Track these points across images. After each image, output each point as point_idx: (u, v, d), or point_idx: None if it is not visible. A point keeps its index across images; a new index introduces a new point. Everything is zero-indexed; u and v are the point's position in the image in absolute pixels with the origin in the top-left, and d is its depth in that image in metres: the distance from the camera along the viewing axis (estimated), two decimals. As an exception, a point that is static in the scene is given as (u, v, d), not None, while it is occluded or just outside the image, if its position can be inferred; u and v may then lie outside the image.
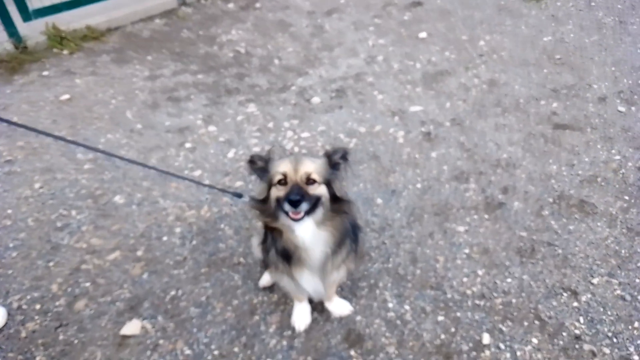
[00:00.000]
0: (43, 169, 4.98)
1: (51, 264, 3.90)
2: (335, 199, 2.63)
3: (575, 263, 3.57)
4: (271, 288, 3.57)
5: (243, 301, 3.50)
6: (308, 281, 2.83)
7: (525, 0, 7.76)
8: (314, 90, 6.00)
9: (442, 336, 3.17)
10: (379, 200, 4.26)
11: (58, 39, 7.54)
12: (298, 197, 2.41)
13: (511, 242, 3.78)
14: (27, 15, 7.47)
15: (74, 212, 4.40)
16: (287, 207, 2.45)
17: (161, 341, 3.26)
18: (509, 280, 3.49)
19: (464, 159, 4.64)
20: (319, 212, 2.59)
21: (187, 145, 5.19)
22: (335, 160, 2.63)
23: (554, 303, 3.31)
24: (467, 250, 3.74)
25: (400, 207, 4.19)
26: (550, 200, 4.12)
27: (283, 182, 2.52)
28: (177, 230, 4.13)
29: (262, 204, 2.69)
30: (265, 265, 3.11)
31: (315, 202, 2.53)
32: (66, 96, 6.25)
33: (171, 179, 4.67)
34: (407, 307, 3.37)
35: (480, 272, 3.56)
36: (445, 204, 4.17)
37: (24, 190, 4.69)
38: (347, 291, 3.52)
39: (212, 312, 3.43)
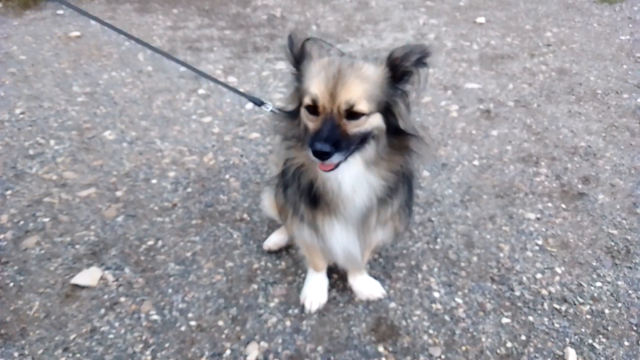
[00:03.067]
0: (30, 96, 4.23)
1: (8, 192, 3.10)
2: (396, 130, 1.72)
3: (689, 274, 2.64)
4: (278, 253, 2.70)
5: (240, 264, 2.63)
6: (339, 237, 1.96)
7: (597, 1, 6.92)
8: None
9: (509, 344, 2.25)
10: (426, 173, 3.39)
11: (79, -17, 6.90)
12: (327, 146, 1.54)
13: (598, 239, 2.87)
14: (50, -49, 6.85)
15: (52, 142, 3.61)
16: (311, 155, 1.58)
17: (122, 299, 2.40)
18: (598, 284, 2.57)
19: (531, 142, 3.76)
20: (370, 149, 1.72)
21: (201, 91, 4.41)
22: (405, 68, 1.65)
23: (665, 321, 2.38)
24: (540, 242, 2.83)
25: (452, 182, 3.30)
26: (646, 197, 3.20)
27: (313, 109, 1.64)
28: (171, 174, 3.31)
29: (289, 117, 1.83)
30: (280, 208, 2.22)
31: (360, 141, 1.67)
32: (76, 33, 5.56)
33: (174, 122, 3.87)
34: (459, 300, 2.46)
35: (559, 270, 2.65)
36: (510, 187, 3.27)
37: (1, 114, 3.93)
38: (378, 269, 2.63)
39: (196, 272, 2.57)
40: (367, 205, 1.86)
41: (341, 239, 1.95)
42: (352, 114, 1.61)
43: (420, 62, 1.66)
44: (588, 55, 5.31)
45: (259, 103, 2.33)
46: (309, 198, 1.90)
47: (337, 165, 1.66)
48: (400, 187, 1.92)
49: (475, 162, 3.53)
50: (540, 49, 5.45)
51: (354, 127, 1.63)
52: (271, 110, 2.28)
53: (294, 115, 1.80)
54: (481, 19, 6.24)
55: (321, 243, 2.02)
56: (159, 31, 5.77)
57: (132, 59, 5.02)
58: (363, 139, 1.68)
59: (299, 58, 1.75)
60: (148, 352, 2.17)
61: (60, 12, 6.29)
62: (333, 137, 1.57)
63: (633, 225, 2.98)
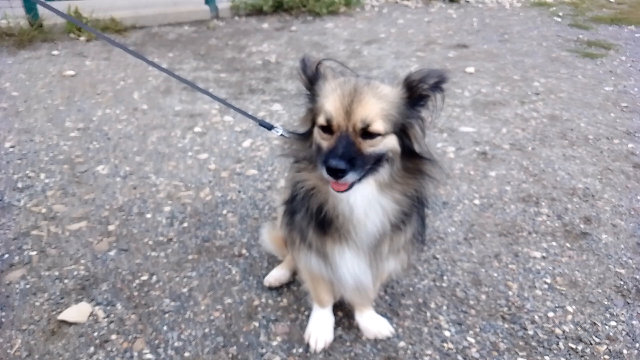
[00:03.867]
0: (20, 130, 4.14)
1: (-6, 224, 2.94)
2: (410, 153, 1.68)
3: (702, 315, 2.57)
4: (280, 289, 2.57)
5: (239, 301, 2.49)
6: (350, 264, 1.86)
7: (579, 56, 7.21)
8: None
9: (526, 386, 2.12)
10: (427, 211, 3.31)
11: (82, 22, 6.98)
12: (343, 164, 1.48)
13: (606, 278, 2.80)
14: (49, -5, 6.97)
15: (42, 175, 3.49)
16: (324, 174, 1.53)
17: (114, 336, 2.23)
18: (612, 323, 2.48)
19: (529, 183, 3.76)
20: (384, 171, 1.67)
21: (197, 129, 4.37)
22: (422, 91, 1.64)
23: (685, 362, 2.28)
24: (548, 280, 2.76)
25: (454, 220, 3.25)
26: (649, 238, 3.18)
27: (328, 128, 1.60)
28: (166, 208, 3.20)
29: (300, 140, 1.79)
30: (286, 236, 2.12)
31: (374, 162, 1.62)
32: (71, 72, 5.56)
33: (169, 158, 3.79)
34: (471, 339, 2.35)
35: (570, 309, 2.56)
36: (513, 225, 3.23)
37: (-11, 147, 3.82)
38: (384, 307, 2.51)
39: (193, 309, 2.42)
40: (379, 231, 1.78)
41: (352, 267, 1.85)
42: (368, 134, 1.57)
43: (437, 86, 1.65)
44: (577, 103, 5.45)
45: (269, 127, 2.28)
46: (318, 223, 1.82)
47: (350, 186, 1.59)
48: (414, 213, 1.85)
49: (476, 201, 3.49)
50: (530, 97, 5.58)
51: (369, 147, 1.58)
52: (281, 134, 2.23)
53: (305, 137, 1.75)
54: (471, 69, 6.42)
55: (330, 272, 1.92)
56: (155, 72, 5.79)
57: (127, 97, 4.99)
58: (377, 161, 1.63)
59: (313, 78, 1.72)
60: (140, 394, 1.99)
61: (55, 52, 6.32)
62: (348, 154, 1.51)
63: None
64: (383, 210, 1.74)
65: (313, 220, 1.83)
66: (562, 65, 6.82)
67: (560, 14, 10.01)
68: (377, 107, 1.57)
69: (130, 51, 2.35)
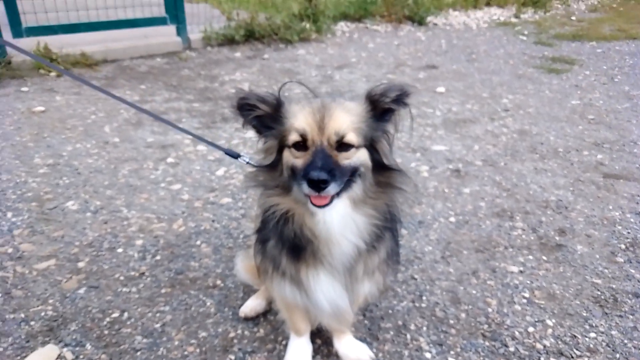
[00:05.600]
0: (-14, 169, 4.02)
1: (-45, 268, 2.82)
2: (380, 167, 1.71)
3: (679, 320, 2.59)
4: (256, 319, 2.51)
5: (214, 333, 2.41)
6: (325, 289, 1.83)
7: (544, 72, 7.43)
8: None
9: (510, 404, 2.09)
10: (403, 231, 3.32)
11: (47, 60, 6.92)
12: (324, 174, 1.49)
13: (583, 289, 2.81)
14: (18, 31, 6.93)
15: (9, 214, 3.39)
16: (305, 188, 1.53)
17: (82, 379, 2.13)
18: (592, 335, 2.48)
19: (503, 197, 3.79)
20: (357, 187, 1.68)
21: (169, 160, 4.31)
22: (385, 105, 1.68)
23: (665, 370, 2.28)
24: (526, 294, 2.75)
25: (430, 239, 3.24)
26: (622, 246, 3.22)
27: (301, 145, 1.61)
28: (138, 242, 3.12)
29: (268, 170, 1.76)
30: (259, 266, 2.07)
31: (349, 176, 1.63)
32: (40, 108, 5.47)
33: (141, 190, 3.73)
34: (452, 359, 2.31)
35: (550, 322, 2.55)
36: (489, 241, 3.24)
37: (-47, 187, 3.70)
38: (363, 331, 2.46)
39: (166, 345, 2.33)
40: (354, 251, 1.77)
41: (328, 291, 1.82)
42: (342, 146, 1.60)
43: (400, 100, 1.69)
44: (545, 117, 5.57)
45: (235, 156, 2.26)
46: (291, 249, 1.79)
47: (331, 200, 1.59)
48: (387, 232, 1.84)
49: (452, 219, 3.50)
50: (499, 114, 5.69)
51: (345, 160, 1.61)
52: (248, 162, 2.21)
53: (273, 166, 1.74)
54: (441, 89, 6.54)
55: (305, 299, 1.88)
56: (126, 105, 5.73)
57: (98, 131, 4.92)
58: (352, 175, 1.64)
59: (275, 112, 1.69)
60: None
61: (24, 88, 6.23)
62: (327, 166, 1.52)
63: (615, 273, 2.95)
64: (357, 229, 1.73)
65: (286, 246, 1.80)
66: (528, 81, 7.00)
67: (525, 32, 10.32)
68: (347, 120, 1.61)
69: (94, 86, 2.32)
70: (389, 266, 1.95)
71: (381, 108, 1.69)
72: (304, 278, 1.82)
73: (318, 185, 1.49)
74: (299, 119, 1.61)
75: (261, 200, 1.84)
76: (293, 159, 1.63)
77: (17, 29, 6.88)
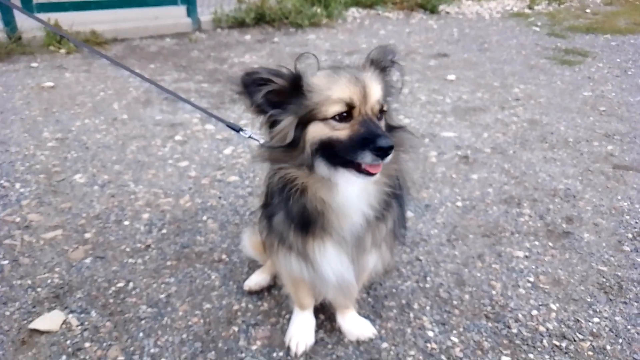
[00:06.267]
0: (-4, 141, 4.05)
1: (-36, 234, 2.85)
2: (389, 129, 1.72)
3: (684, 309, 2.58)
4: (260, 294, 2.52)
5: (219, 306, 2.43)
6: (332, 262, 1.82)
7: (557, 63, 7.34)
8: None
9: (511, 384, 2.09)
10: (410, 214, 3.31)
11: (57, 37, 6.93)
12: (390, 140, 1.50)
13: (589, 275, 2.80)
14: (29, 8, 6.93)
15: (17, 185, 3.41)
16: (368, 157, 1.52)
17: (87, 344, 2.16)
18: (595, 320, 2.47)
19: (511, 185, 3.77)
20: None
21: (177, 137, 4.32)
22: (386, 64, 1.74)
23: (669, 357, 2.27)
24: (531, 279, 2.74)
25: (437, 223, 3.23)
26: (630, 235, 3.20)
27: (345, 116, 1.57)
28: (145, 216, 3.14)
29: (284, 149, 1.66)
30: (264, 241, 2.05)
31: None
32: (49, 84, 5.49)
33: (149, 166, 3.74)
34: (454, 338, 2.31)
35: (554, 307, 2.55)
36: (495, 226, 3.22)
37: (-37, 158, 3.73)
38: (367, 309, 2.47)
39: (171, 315, 2.35)
40: (365, 221, 1.75)
41: (335, 263, 1.81)
42: (380, 113, 1.62)
43: (393, 60, 1.76)
44: (556, 108, 5.52)
45: (237, 129, 2.25)
46: (300, 223, 1.77)
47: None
48: (394, 200, 1.84)
49: (459, 204, 3.49)
50: (510, 103, 5.64)
51: (382, 125, 1.64)
52: (250, 137, 2.20)
53: (292, 145, 1.64)
54: (451, 77, 6.49)
55: (311, 272, 1.87)
56: (135, 83, 5.74)
57: (107, 108, 4.93)
58: None
59: (293, 87, 1.60)
60: (114, 403, 1.91)
61: (34, 64, 6.25)
62: (385, 133, 1.55)
63: (621, 262, 2.94)
64: (369, 198, 1.72)
65: (294, 221, 1.78)
66: (540, 72, 6.92)
67: (538, 24, 10.20)
68: (379, 87, 1.63)
69: (110, 59, 2.31)
70: (395, 237, 1.94)
71: (381, 69, 1.73)
72: (311, 251, 1.81)
73: (386, 153, 1.50)
74: (340, 90, 1.56)
75: (273, 175, 1.78)
76: (332, 131, 1.57)
77: (28, 6, 6.88)
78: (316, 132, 1.59)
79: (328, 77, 1.61)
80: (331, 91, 1.56)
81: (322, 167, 1.64)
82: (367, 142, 1.51)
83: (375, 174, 1.58)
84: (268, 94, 1.60)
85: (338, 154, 1.58)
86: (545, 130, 4.89)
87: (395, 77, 1.81)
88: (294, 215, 1.76)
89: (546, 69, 7.07)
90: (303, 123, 1.60)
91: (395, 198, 1.84)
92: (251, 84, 1.59)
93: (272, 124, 1.66)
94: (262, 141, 2.04)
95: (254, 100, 1.60)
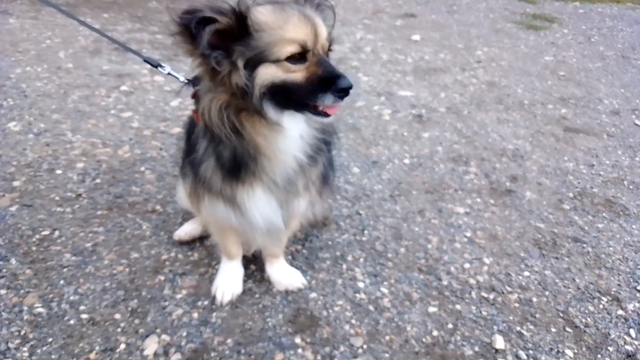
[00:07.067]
0: None
1: None
2: None
3: (612, 265, 2.64)
4: (191, 244, 2.47)
5: (146, 255, 2.36)
6: (260, 206, 1.76)
7: (523, 28, 7.29)
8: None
9: (435, 333, 2.11)
10: (355, 170, 3.28)
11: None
12: (349, 80, 1.48)
13: (526, 232, 2.83)
14: (-28, -52, 6.42)
15: (-56, 133, 3.21)
16: (329, 99, 1.47)
17: (2, 291, 2.08)
18: (526, 273, 2.51)
19: (462, 144, 3.76)
20: None
21: (123, 88, 4.14)
22: (319, 2, 1.64)
23: (591, 308, 2.33)
24: (468, 234, 2.76)
25: (382, 179, 3.21)
26: (571, 195, 3.24)
27: (298, 57, 1.46)
28: (79, 165, 3.01)
29: (227, 92, 1.51)
30: (190, 190, 1.95)
31: None
32: (-9, 30, 5.13)
33: (90, 116, 3.57)
34: (384, 289, 2.31)
35: (487, 261, 2.57)
36: (440, 183, 3.22)
37: None
38: (301, 260, 2.44)
39: (95, 264, 2.28)
40: (297, 166, 1.69)
41: (263, 208, 1.75)
42: (328, 51, 1.57)
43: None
44: (516, 71, 5.50)
45: (155, 65, 2.13)
46: (230, 169, 1.68)
47: None
48: (324, 144, 1.78)
49: (406, 161, 3.46)
50: (471, 65, 5.59)
51: None
52: (169, 73, 2.09)
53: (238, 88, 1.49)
54: (416, 37, 6.38)
55: (240, 217, 1.80)
56: (85, 32, 5.45)
57: (52, 56, 4.68)
58: None
59: (238, 24, 1.42)
60: (25, 348, 1.85)
61: (-24, 10, 5.85)
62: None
63: (559, 219, 2.98)
64: (304, 142, 1.66)
65: (225, 167, 1.69)
66: (505, 35, 6.87)
67: (510, -12, 10.07)
68: (325, 25, 1.55)
69: (53, 5, 2.13)
70: (325, 181, 1.89)
71: (317, 7, 1.63)
72: (239, 196, 1.74)
73: (347, 93, 1.47)
74: (293, 29, 1.44)
75: (216, 120, 1.59)
76: (286, 74, 1.47)
77: (-29, -56, 6.38)
78: (267, 74, 1.47)
79: (276, 14, 1.47)
80: (283, 30, 1.44)
81: (270, 111, 1.53)
82: (328, 83, 1.46)
83: (332, 114, 1.54)
84: (214, 34, 1.40)
85: (292, 97, 1.50)
86: (503, 92, 4.88)
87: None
88: (224, 161, 1.67)
89: (512, 33, 7.02)
90: (251, 65, 1.46)
91: (325, 143, 1.78)
92: (193, 24, 1.38)
93: (213, 68, 1.47)
94: (182, 78, 1.95)
95: (198, 43, 1.40)
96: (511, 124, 4.21)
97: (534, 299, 2.35)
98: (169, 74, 2.10)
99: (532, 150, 3.80)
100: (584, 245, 2.77)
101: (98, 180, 2.87)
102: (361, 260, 2.48)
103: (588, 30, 7.47)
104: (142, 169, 3.04)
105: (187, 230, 2.44)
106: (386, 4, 8.00)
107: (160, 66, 2.12)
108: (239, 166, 1.67)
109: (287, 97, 1.50)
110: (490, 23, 7.44)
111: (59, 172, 2.93)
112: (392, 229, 2.74)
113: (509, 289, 2.40)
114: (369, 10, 7.55)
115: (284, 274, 2.24)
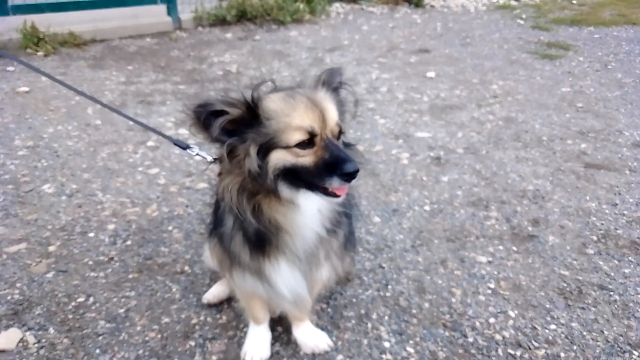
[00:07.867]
0: (-35, 150, 4.02)
1: None
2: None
3: (641, 313, 2.61)
4: (219, 306, 2.54)
5: (177, 319, 2.44)
6: (285, 278, 1.85)
7: (538, 57, 7.33)
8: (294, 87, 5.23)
9: (462, 394, 2.12)
10: (377, 219, 3.33)
11: (34, 39, 6.86)
12: (355, 164, 1.53)
13: (550, 280, 2.83)
14: (4, 10, 6.85)
15: (-16, 197, 3.39)
16: (336, 182, 1.55)
17: (42, 363, 2.16)
18: (552, 326, 2.50)
19: (481, 187, 3.78)
20: None
21: (150, 143, 4.31)
22: (336, 86, 1.77)
23: (621, 363, 2.31)
24: (492, 285, 2.77)
25: (403, 228, 3.25)
26: (594, 238, 3.22)
27: (307, 143, 1.56)
28: (110, 227, 3.13)
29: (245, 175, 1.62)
30: (218, 260, 2.05)
31: None
32: (24, 89, 5.43)
33: (118, 174, 3.73)
34: (410, 349, 2.34)
35: (512, 314, 2.57)
36: (461, 230, 3.24)
37: None
38: (326, 319, 2.49)
39: (128, 330, 2.36)
40: (315, 239, 1.78)
41: (288, 280, 1.84)
42: (338, 134, 1.64)
43: (342, 82, 1.79)
44: (532, 105, 5.53)
45: (184, 147, 2.25)
46: (255, 244, 1.77)
47: None
48: (344, 217, 1.86)
49: (426, 207, 3.50)
50: (487, 100, 5.64)
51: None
52: (197, 154, 2.21)
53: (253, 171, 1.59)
54: (431, 74, 6.47)
55: (267, 288, 1.89)
56: (111, 86, 5.71)
57: (81, 113, 4.90)
58: None
59: (252, 114, 1.56)
60: (64, 423, 1.92)
61: (10, 68, 6.18)
62: (350, 157, 1.57)
63: (583, 265, 2.96)
64: (322, 217, 1.75)
65: (251, 242, 1.78)
66: (521, 67, 6.92)
67: (524, 16, 10.17)
68: (335, 109, 1.64)
69: (45, 74, 2.29)
70: (346, 250, 1.97)
71: (334, 89, 1.75)
72: (266, 270, 1.82)
73: (353, 177, 1.53)
74: (300, 117, 1.54)
75: (226, 194, 1.68)
76: (295, 158, 1.56)
77: (3, 7, 6.80)
78: (279, 159, 1.57)
79: (285, 102, 1.59)
80: (290, 118, 1.54)
81: (285, 190, 1.63)
82: (334, 167, 1.53)
83: (341, 195, 1.61)
84: (229, 124, 1.54)
85: (302, 179, 1.59)
86: (520, 128, 4.90)
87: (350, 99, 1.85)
88: (250, 236, 1.76)
89: (527, 64, 7.07)
90: (264, 150, 1.56)
91: (345, 215, 1.86)
92: (205, 117, 1.52)
93: (231, 151, 1.59)
94: (209, 158, 2.06)
95: (211, 133, 1.54)
96: (530, 162, 4.22)
97: (562, 355, 2.34)
98: (197, 154, 2.21)
99: (553, 190, 3.79)
100: (611, 293, 2.75)
101: (128, 242, 2.99)
102: (386, 317, 2.51)
103: (604, 57, 7.46)
104: (170, 227, 3.15)
105: (214, 293, 2.51)
106: (400, 40, 8.15)
107: (189, 147, 2.23)
108: (263, 241, 1.75)
109: (298, 178, 1.60)
110: (505, 54, 7.50)
111: (91, 234, 3.05)
112: (415, 282, 2.77)
113: (536, 344, 2.39)
114: (383, 48, 7.70)
115: (310, 336, 2.28)
